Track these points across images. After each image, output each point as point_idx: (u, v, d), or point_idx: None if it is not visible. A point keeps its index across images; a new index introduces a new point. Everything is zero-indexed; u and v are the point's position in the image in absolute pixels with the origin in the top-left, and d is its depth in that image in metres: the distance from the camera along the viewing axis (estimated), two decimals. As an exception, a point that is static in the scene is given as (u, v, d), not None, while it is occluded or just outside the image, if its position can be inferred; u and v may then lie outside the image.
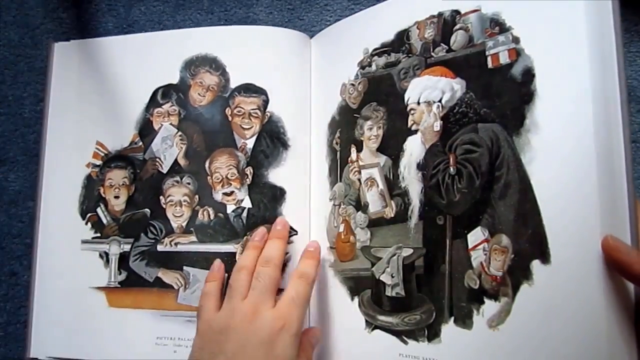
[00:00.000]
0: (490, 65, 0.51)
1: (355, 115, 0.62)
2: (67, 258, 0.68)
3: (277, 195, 0.65)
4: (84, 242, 0.69)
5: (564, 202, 0.45)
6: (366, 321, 0.59)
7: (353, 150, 0.62)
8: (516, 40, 0.49)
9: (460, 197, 0.52)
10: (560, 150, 0.46)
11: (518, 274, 0.47)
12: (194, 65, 0.69)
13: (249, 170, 0.66)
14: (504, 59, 0.50)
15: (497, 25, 0.51)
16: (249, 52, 0.68)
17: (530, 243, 0.47)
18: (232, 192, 0.66)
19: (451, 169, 0.53)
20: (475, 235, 0.51)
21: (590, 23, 0.45)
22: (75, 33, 0.79)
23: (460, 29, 0.54)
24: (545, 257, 0.46)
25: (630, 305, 0.43)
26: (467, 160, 0.52)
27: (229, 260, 0.64)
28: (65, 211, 0.69)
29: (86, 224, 0.69)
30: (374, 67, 0.61)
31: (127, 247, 0.68)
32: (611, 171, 0.43)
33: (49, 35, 0.78)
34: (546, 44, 0.48)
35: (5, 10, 0.79)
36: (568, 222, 0.45)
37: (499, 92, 0.50)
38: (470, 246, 0.51)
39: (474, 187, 0.51)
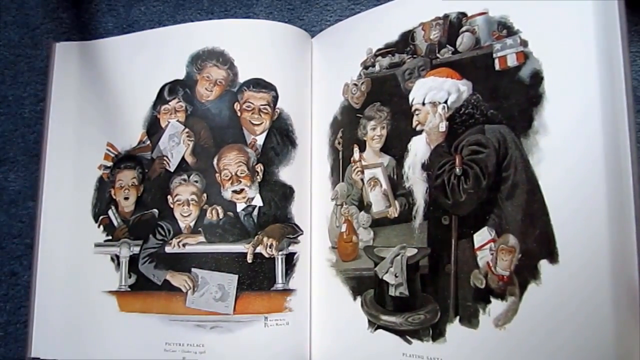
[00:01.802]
0: (497, 67, 0.52)
1: (358, 115, 0.62)
2: (76, 260, 0.67)
3: (287, 193, 0.64)
4: (97, 245, 0.67)
5: (572, 203, 0.46)
6: (369, 321, 0.59)
7: (356, 150, 0.62)
8: (524, 43, 0.50)
9: (467, 198, 0.53)
10: (569, 152, 0.47)
11: (525, 273, 0.48)
12: (200, 59, 0.67)
13: (259, 167, 0.64)
14: (511, 61, 0.51)
15: (504, 29, 0.52)
16: (256, 46, 0.66)
17: (538, 243, 0.47)
18: (242, 190, 0.64)
19: (457, 169, 0.53)
20: (482, 235, 0.51)
21: (598, 26, 0.46)
22: (75, 33, 0.78)
23: (466, 31, 0.54)
24: (553, 257, 0.46)
25: (638, 304, 0.43)
26: (473, 160, 0.52)
27: (239, 260, 0.62)
28: (73, 213, 0.68)
29: (99, 226, 0.67)
30: (377, 68, 0.62)
31: (136, 250, 0.65)
32: (618, 172, 0.44)
33: (49, 35, 0.77)
34: (555, 47, 0.48)
35: (5, 10, 0.78)
36: (576, 222, 0.46)
37: (506, 94, 0.51)
38: (476, 246, 0.52)
39: (480, 188, 0.52)
